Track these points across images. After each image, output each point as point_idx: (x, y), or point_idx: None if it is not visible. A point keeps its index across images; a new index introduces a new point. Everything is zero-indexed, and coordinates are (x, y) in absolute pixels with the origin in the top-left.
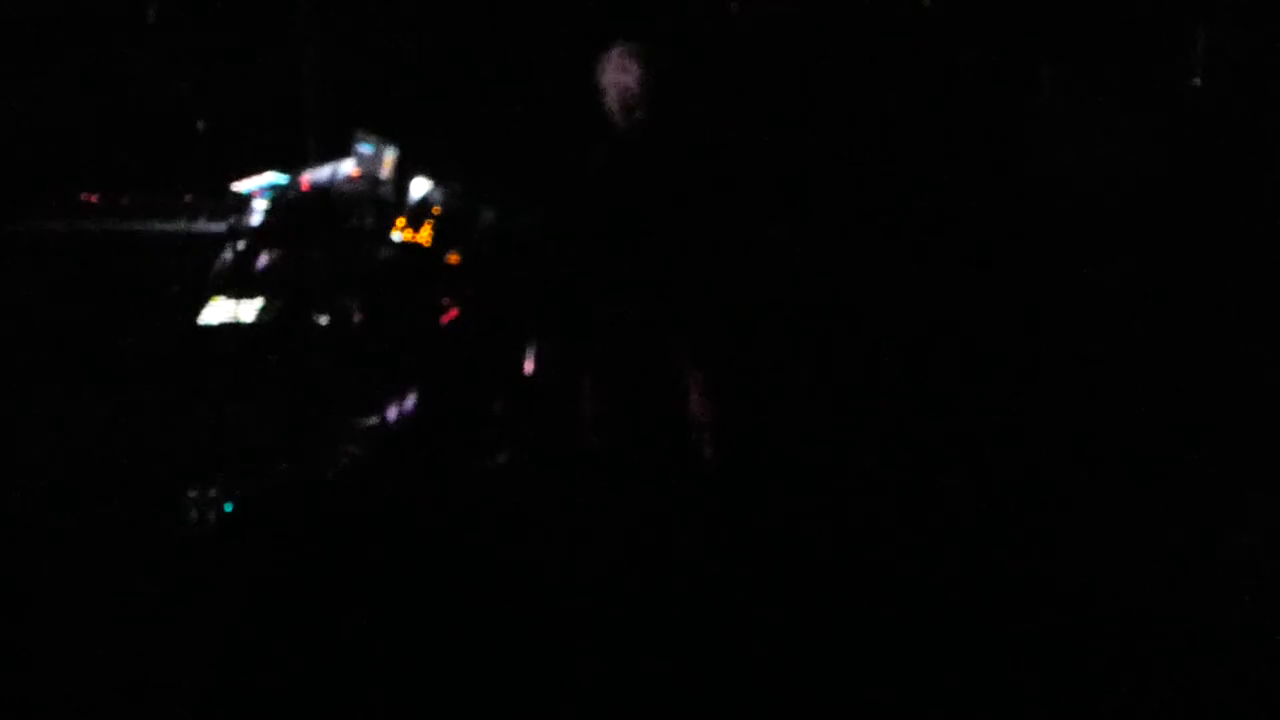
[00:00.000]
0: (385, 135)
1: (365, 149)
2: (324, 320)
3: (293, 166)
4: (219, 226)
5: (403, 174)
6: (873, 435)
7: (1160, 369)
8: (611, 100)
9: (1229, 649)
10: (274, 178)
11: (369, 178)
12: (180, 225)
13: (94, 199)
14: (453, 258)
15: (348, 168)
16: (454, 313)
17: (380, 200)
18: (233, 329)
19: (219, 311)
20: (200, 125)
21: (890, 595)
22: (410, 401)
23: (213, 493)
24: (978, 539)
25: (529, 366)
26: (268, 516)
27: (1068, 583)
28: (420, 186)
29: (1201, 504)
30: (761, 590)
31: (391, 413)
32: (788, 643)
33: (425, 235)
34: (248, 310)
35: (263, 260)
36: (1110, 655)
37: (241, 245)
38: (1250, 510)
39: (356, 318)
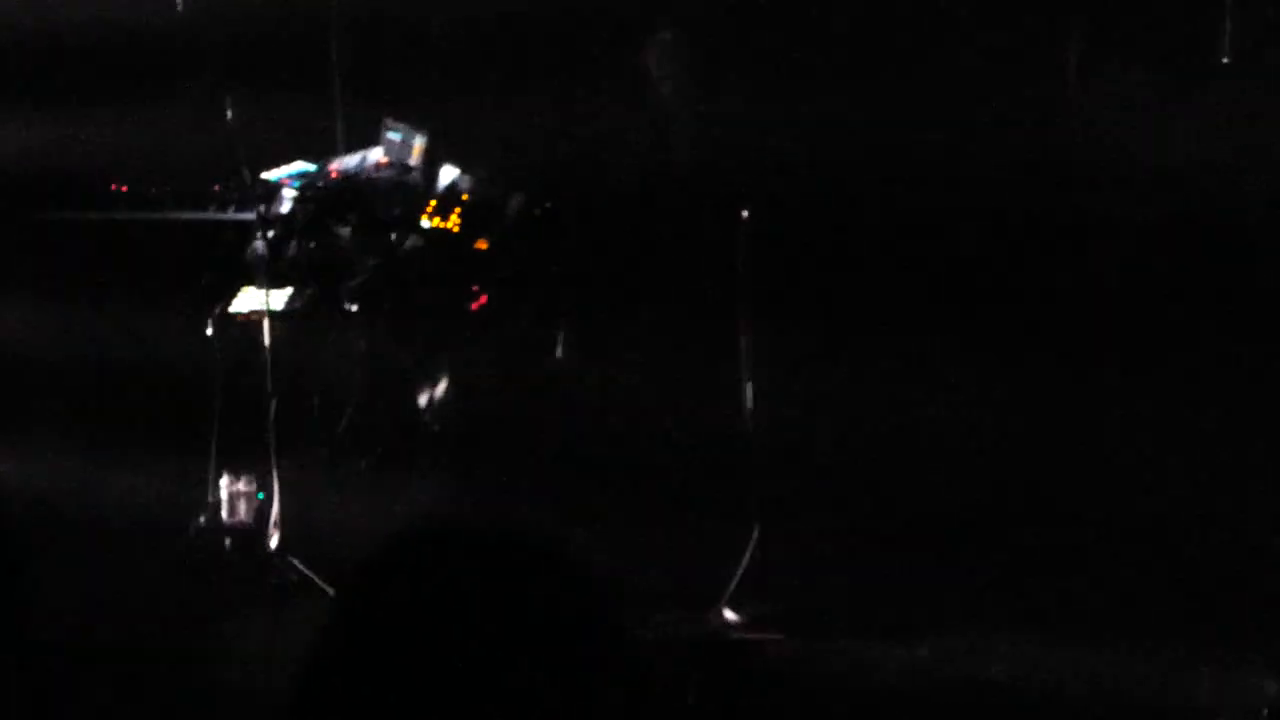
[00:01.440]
0: (414, 122)
1: (394, 136)
2: (354, 308)
3: (322, 154)
4: (248, 215)
5: (431, 161)
6: None
7: None
8: None
9: None
10: (303, 166)
11: (398, 165)
12: (210, 214)
13: (124, 189)
14: (481, 243)
15: (376, 155)
16: (484, 299)
17: (409, 187)
18: (263, 317)
19: (249, 300)
20: (229, 113)
21: None
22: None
23: (243, 483)
24: None
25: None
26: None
27: None
28: (449, 173)
29: None
30: None
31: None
32: None
33: (454, 222)
34: (278, 299)
35: (292, 249)
36: None
37: (271, 234)
38: None
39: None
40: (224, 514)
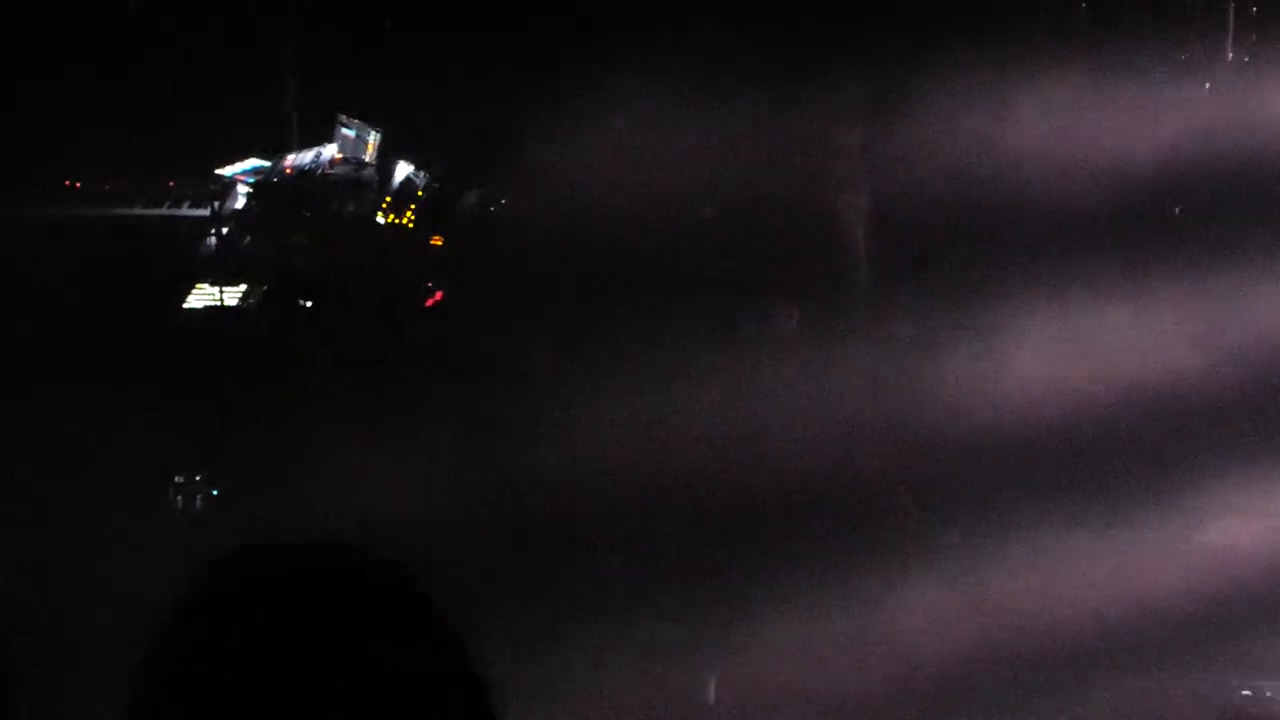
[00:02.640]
0: (368, 119)
1: (348, 133)
2: (308, 304)
3: (276, 150)
4: (203, 211)
5: (386, 157)
6: None
7: None
8: None
9: None
10: (257, 162)
11: (352, 161)
12: (164, 210)
13: (77, 185)
14: (436, 240)
15: (331, 151)
16: (439, 295)
17: (363, 184)
18: (217, 313)
19: (204, 297)
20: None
21: None
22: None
23: (199, 478)
24: None
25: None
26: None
27: None
28: (403, 169)
29: None
30: None
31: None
32: None
33: (409, 218)
34: (232, 295)
35: (246, 245)
36: None
37: (225, 230)
38: None
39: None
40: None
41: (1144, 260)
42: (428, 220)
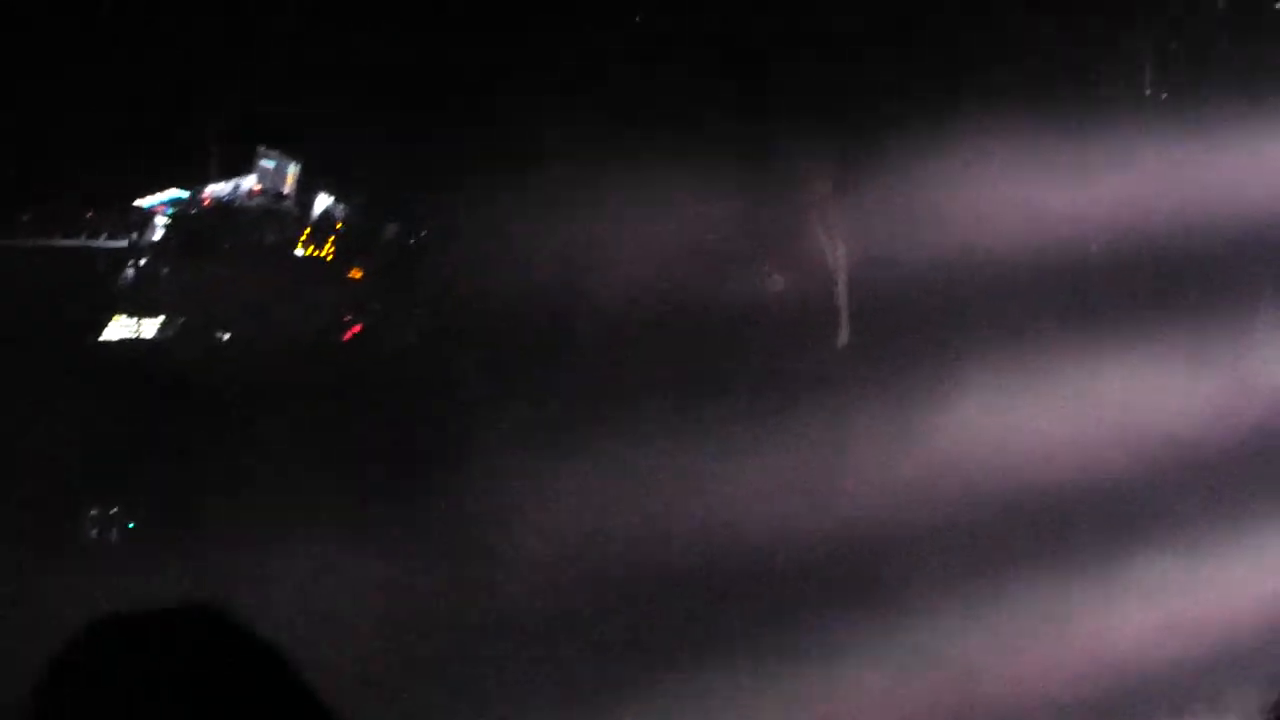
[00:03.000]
0: (288, 150)
1: (267, 164)
2: (225, 336)
3: (194, 182)
4: (121, 242)
5: (305, 189)
6: None
7: None
8: None
9: None
10: (175, 193)
11: (271, 193)
12: (82, 241)
13: None
14: (355, 273)
15: (250, 183)
16: (357, 328)
17: (282, 215)
18: (135, 345)
19: (121, 328)
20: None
21: None
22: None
23: (115, 510)
24: None
25: None
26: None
27: None
28: (323, 201)
29: None
30: None
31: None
32: None
33: (328, 251)
34: (150, 327)
35: (165, 277)
36: None
37: (143, 262)
38: None
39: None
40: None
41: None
42: (347, 253)
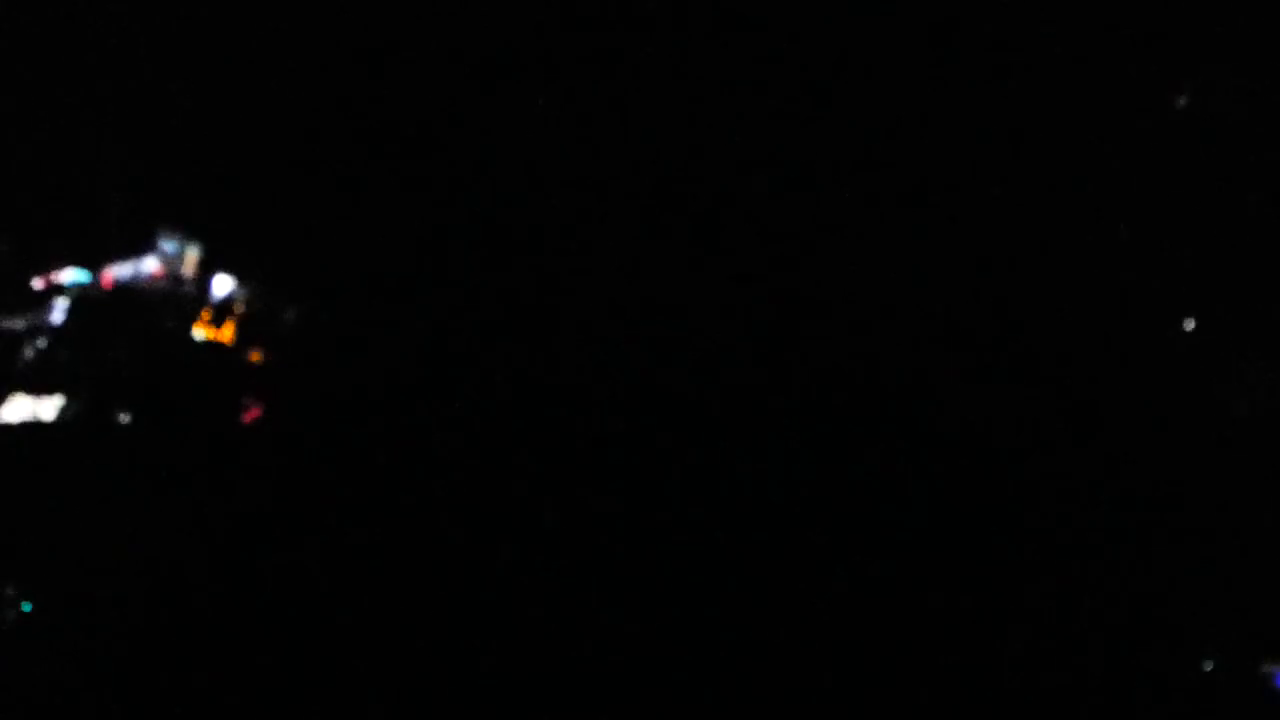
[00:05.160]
0: (188, 233)
1: (168, 247)
2: (125, 418)
3: (95, 263)
4: (19, 323)
5: (205, 272)
6: None
7: None
8: None
9: None
10: (75, 274)
11: (172, 276)
12: None
13: None
14: (255, 356)
15: (150, 265)
16: (256, 411)
17: (182, 297)
18: (33, 427)
19: (19, 409)
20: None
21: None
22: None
23: (10, 591)
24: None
25: None
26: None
27: None
28: (223, 285)
29: None
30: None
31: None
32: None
33: (228, 334)
34: (48, 408)
35: (64, 357)
36: None
37: (42, 342)
38: None
39: (157, 416)
40: None
41: None
42: (247, 336)
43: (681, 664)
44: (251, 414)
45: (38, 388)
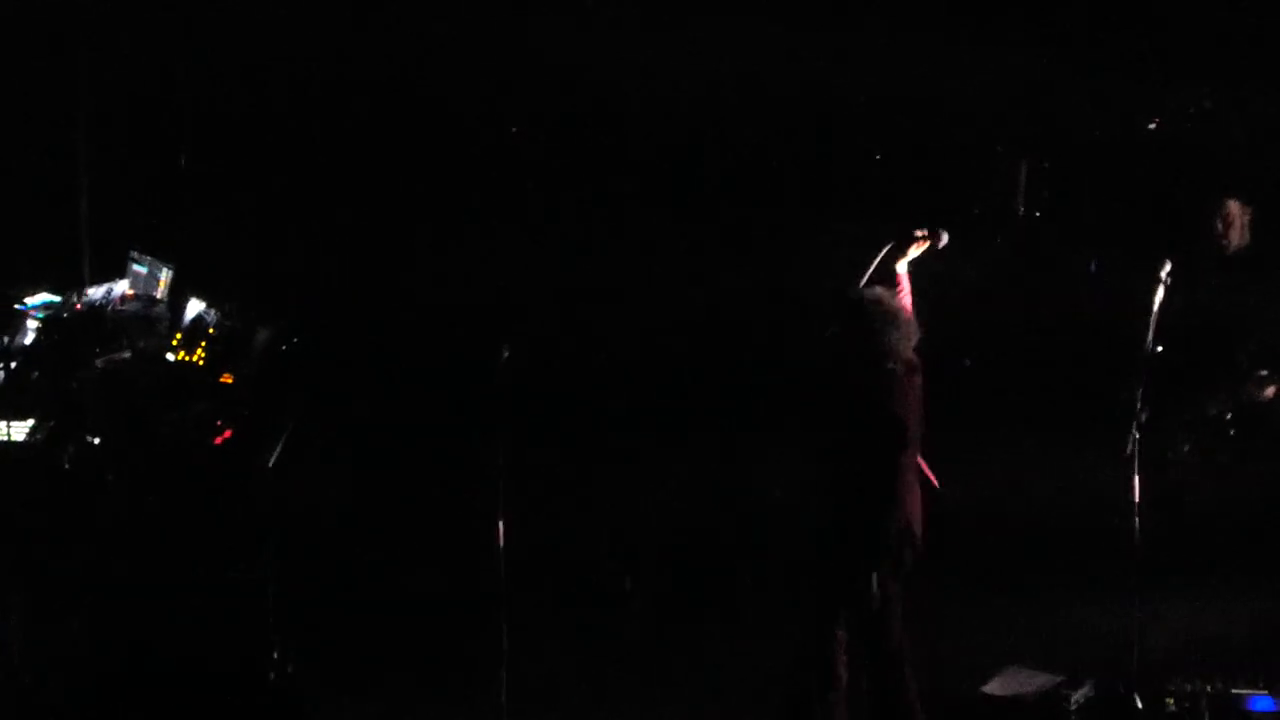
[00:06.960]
0: (160, 255)
1: (140, 269)
2: (96, 440)
3: (66, 285)
4: None
5: (177, 294)
6: None
7: None
8: None
9: None
10: (47, 297)
11: (144, 297)
12: None
13: None
14: (227, 378)
15: (122, 287)
16: (228, 433)
17: (155, 320)
18: (3, 448)
19: None
20: None
21: None
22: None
23: None
24: None
25: None
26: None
27: None
28: (195, 306)
29: None
30: None
31: None
32: None
33: (200, 355)
34: (19, 430)
35: (35, 380)
36: None
37: (13, 365)
38: None
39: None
40: None
41: None
42: (218, 358)
43: (682, 663)
44: (223, 436)
45: (8, 410)
